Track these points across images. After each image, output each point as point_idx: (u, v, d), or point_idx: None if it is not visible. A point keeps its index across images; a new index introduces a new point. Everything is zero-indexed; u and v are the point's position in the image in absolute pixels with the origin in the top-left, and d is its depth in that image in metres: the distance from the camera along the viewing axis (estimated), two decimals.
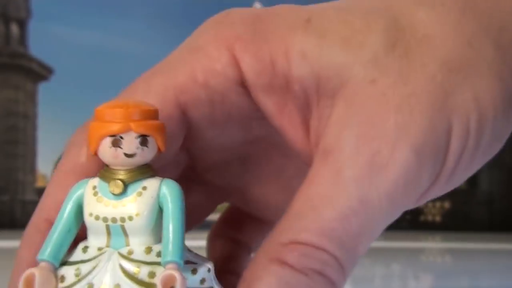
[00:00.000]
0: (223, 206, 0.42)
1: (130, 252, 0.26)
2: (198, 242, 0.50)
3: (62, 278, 0.27)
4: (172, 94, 0.30)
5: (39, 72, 10.43)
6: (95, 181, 0.28)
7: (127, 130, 0.26)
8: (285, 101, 0.30)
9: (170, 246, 0.26)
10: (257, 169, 0.36)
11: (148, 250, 0.27)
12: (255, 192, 0.38)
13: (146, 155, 0.27)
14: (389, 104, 0.27)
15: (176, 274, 0.25)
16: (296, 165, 0.36)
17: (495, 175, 8.85)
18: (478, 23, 0.29)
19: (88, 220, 0.27)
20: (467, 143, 0.28)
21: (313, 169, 0.28)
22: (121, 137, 0.26)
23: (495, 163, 8.84)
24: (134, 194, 0.27)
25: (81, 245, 0.28)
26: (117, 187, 0.27)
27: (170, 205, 0.27)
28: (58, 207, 0.29)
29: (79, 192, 0.28)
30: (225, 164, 0.36)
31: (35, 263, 0.28)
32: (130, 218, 0.26)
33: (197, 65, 0.30)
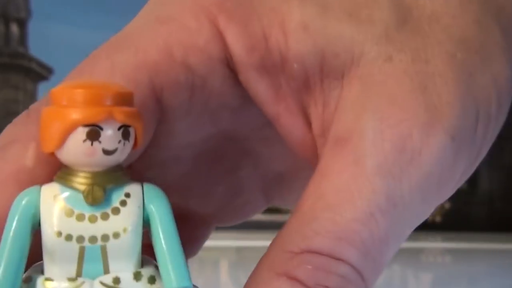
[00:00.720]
0: None
1: (116, 281, 0.21)
2: None
3: None
4: (146, 76, 0.24)
5: (39, 72, 10.44)
6: (54, 188, 0.21)
7: (109, 118, 0.20)
8: (280, 84, 0.25)
9: (176, 268, 0.21)
10: (207, 166, 0.31)
11: (138, 275, 0.21)
12: (199, 191, 0.32)
13: (125, 152, 0.21)
14: (413, 84, 0.23)
15: None
16: (252, 165, 0.32)
17: (495, 175, 8.84)
18: (479, 1, 0.26)
19: (54, 241, 0.20)
20: (488, 128, 0.25)
21: (324, 161, 0.23)
22: (101, 128, 0.20)
23: (495, 163, 8.84)
24: (116, 203, 0.21)
25: (39, 278, 0.21)
26: (97, 195, 0.20)
27: (162, 218, 0.22)
28: None
29: (29, 204, 0.21)
30: (174, 161, 0.30)
31: None
32: (116, 236, 0.21)
33: (172, 39, 0.25)
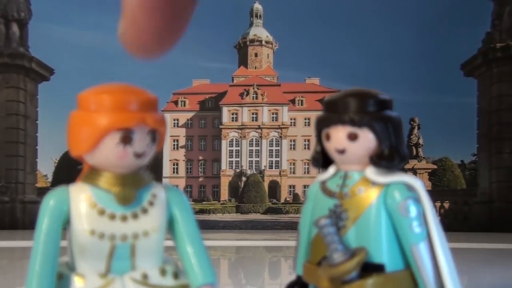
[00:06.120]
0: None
1: (145, 277, 0.20)
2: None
3: None
4: None
5: (39, 72, 10.48)
6: (83, 188, 0.20)
7: (141, 123, 0.17)
8: None
9: (201, 266, 0.21)
10: None
11: (163, 271, 0.21)
12: None
13: (151, 154, 0.21)
14: None
15: None
16: None
17: (494, 175, 8.86)
18: None
19: (87, 239, 0.18)
20: None
21: None
22: (133, 132, 0.19)
23: (495, 163, 8.84)
24: (145, 204, 0.20)
25: (70, 274, 0.20)
26: (129, 196, 0.19)
27: (185, 220, 0.21)
28: None
29: (59, 203, 0.19)
30: None
31: None
32: (145, 234, 0.20)
33: None
